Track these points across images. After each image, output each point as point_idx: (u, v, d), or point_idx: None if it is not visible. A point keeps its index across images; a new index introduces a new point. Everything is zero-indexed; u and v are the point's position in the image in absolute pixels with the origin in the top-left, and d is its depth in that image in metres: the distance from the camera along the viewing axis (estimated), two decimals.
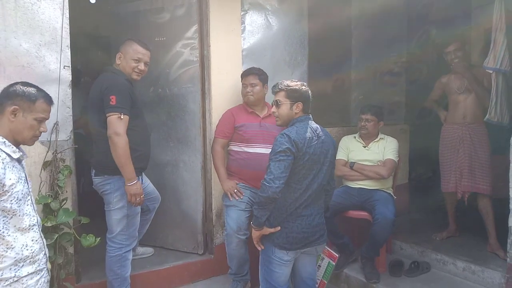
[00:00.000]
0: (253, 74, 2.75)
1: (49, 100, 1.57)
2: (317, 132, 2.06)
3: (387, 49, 4.02)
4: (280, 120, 2.13)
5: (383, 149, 3.10)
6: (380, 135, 3.18)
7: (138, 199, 2.36)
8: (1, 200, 1.39)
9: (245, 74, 2.80)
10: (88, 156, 2.49)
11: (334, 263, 2.38)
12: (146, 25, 3.15)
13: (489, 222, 3.01)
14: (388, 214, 2.76)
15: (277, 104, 2.11)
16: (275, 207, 2.01)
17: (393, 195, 3.09)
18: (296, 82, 2.14)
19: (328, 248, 2.38)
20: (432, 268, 3.01)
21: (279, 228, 2.01)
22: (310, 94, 2.13)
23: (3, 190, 1.39)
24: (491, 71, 2.75)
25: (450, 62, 3.18)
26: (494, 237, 2.97)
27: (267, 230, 2.03)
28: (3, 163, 1.40)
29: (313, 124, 2.09)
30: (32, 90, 1.53)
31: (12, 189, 1.42)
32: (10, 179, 1.41)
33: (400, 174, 3.48)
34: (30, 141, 1.55)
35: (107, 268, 2.44)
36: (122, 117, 2.25)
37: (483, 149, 3.09)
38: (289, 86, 2.09)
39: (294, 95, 2.07)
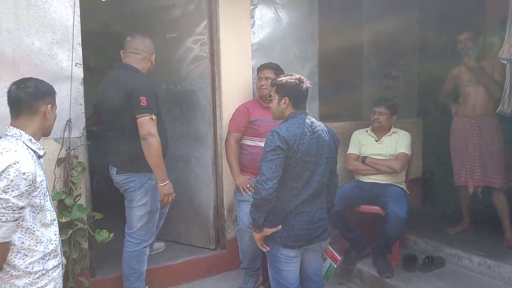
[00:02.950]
0: (269, 68, 2.74)
1: None
2: (312, 127, 1.98)
3: (399, 42, 3.96)
4: (273, 115, 2.12)
5: (396, 143, 3.06)
6: (393, 129, 3.14)
7: (170, 198, 2.40)
8: (32, 196, 1.43)
9: (261, 68, 2.80)
10: (105, 154, 2.50)
11: (335, 265, 2.36)
12: (157, 22, 3.16)
13: (505, 216, 2.96)
14: (400, 213, 2.72)
15: (269, 99, 2.11)
16: (274, 206, 1.97)
17: (406, 189, 3.05)
18: (290, 76, 2.05)
19: (331, 249, 2.33)
20: (447, 263, 2.98)
21: (280, 227, 1.97)
22: (302, 88, 2.02)
23: (34, 186, 1.43)
24: (505, 62, 2.69)
25: (459, 51, 3.12)
26: (510, 231, 2.93)
27: (268, 231, 1.99)
28: (33, 160, 1.45)
29: (309, 119, 2.01)
30: (48, 85, 1.61)
31: (41, 185, 1.47)
32: (40, 175, 1.46)
33: (413, 168, 3.44)
34: (51, 132, 1.67)
35: (124, 262, 2.46)
36: (153, 118, 2.28)
37: (494, 142, 3.03)
38: (279, 81, 2.05)
39: (281, 90, 2.02)
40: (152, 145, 2.26)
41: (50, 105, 1.57)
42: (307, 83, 2.06)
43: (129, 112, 2.28)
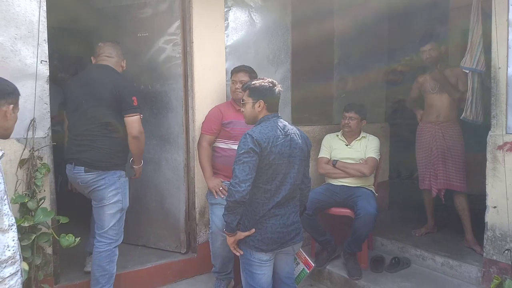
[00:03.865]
0: (243, 71, 2.72)
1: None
2: (285, 130, 2.00)
3: (369, 48, 4.08)
4: (246, 119, 2.12)
5: (365, 147, 3.15)
6: (362, 134, 3.23)
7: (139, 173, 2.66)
8: None
9: (235, 71, 2.76)
10: (71, 153, 2.45)
11: (308, 271, 2.39)
12: (128, 20, 3.09)
13: (465, 218, 3.10)
14: (370, 209, 2.81)
15: (242, 103, 2.10)
16: (247, 210, 1.98)
17: (375, 192, 3.14)
18: (263, 80, 2.07)
19: (305, 255, 2.35)
20: (412, 263, 3.08)
21: (253, 230, 1.97)
22: (275, 91, 2.04)
23: None
24: (467, 71, 2.83)
25: (424, 61, 3.26)
26: (470, 232, 3.07)
27: (242, 235, 1.99)
28: None
29: (281, 123, 2.02)
30: (13, 86, 1.58)
31: None
32: None
33: (380, 172, 3.54)
34: (10, 135, 1.63)
35: (95, 264, 2.43)
36: (141, 117, 2.45)
37: (457, 147, 3.18)
38: (252, 85, 2.05)
39: (255, 94, 2.02)
40: (142, 142, 2.48)
41: (12, 106, 1.52)
42: (279, 87, 2.08)
43: (115, 110, 2.38)
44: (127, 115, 2.38)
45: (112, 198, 2.42)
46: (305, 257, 2.31)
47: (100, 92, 2.38)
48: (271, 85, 2.04)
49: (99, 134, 2.39)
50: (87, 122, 2.40)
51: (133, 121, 2.38)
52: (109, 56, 2.52)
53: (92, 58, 2.59)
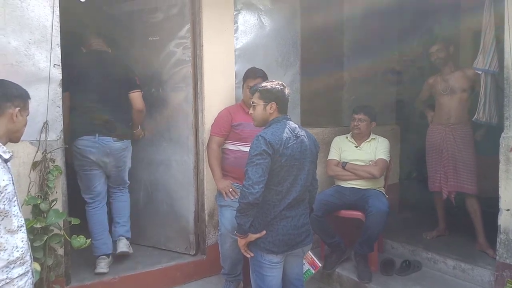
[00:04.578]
0: (261, 78, 2.67)
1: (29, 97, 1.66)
2: (295, 132, 2.01)
3: (379, 50, 4.06)
4: (255, 121, 2.12)
5: (375, 149, 3.12)
6: (372, 135, 3.21)
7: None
8: None
9: (252, 77, 2.71)
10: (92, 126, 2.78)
11: (313, 271, 2.36)
12: (140, 25, 3.14)
13: (477, 221, 3.05)
14: (382, 207, 2.79)
15: (252, 105, 2.10)
16: (258, 211, 1.98)
17: (385, 194, 3.12)
18: (273, 82, 2.09)
19: (312, 255, 2.35)
20: (423, 266, 3.05)
21: (264, 232, 1.97)
22: (286, 93, 2.06)
23: None
24: (480, 72, 2.80)
25: (434, 63, 3.23)
26: (482, 236, 3.02)
27: (253, 237, 1.99)
28: None
29: (291, 124, 2.04)
30: (22, 89, 1.60)
31: (5, 190, 1.40)
32: (4, 180, 1.39)
33: (390, 174, 3.51)
34: (20, 138, 1.63)
35: (126, 209, 3.02)
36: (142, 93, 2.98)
37: (468, 149, 3.13)
38: (263, 87, 2.06)
39: (267, 96, 2.03)
40: (144, 113, 3.02)
41: (18, 109, 1.53)
42: (288, 89, 2.10)
43: (125, 88, 2.85)
44: (132, 91, 2.86)
45: (129, 161, 2.98)
46: (312, 257, 2.30)
47: (115, 72, 2.83)
48: (282, 87, 2.07)
49: (118, 110, 2.82)
50: (107, 98, 2.79)
51: (137, 97, 2.89)
52: (101, 44, 2.94)
53: (82, 48, 2.96)
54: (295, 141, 1.98)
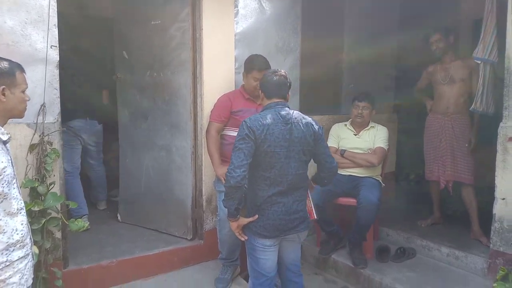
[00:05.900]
0: (266, 70, 2.54)
1: (22, 68, 1.56)
2: (286, 118, 2.00)
3: (379, 37, 4.02)
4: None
5: (374, 137, 3.13)
6: (371, 124, 3.21)
7: None
8: None
9: (259, 68, 2.59)
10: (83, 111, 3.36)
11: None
12: (143, 8, 3.09)
13: (472, 210, 3.09)
14: (371, 198, 2.81)
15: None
16: (250, 196, 2.02)
17: (381, 182, 3.14)
18: (267, 71, 2.20)
19: (312, 206, 2.24)
20: (418, 254, 3.10)
21: (256, 216, 2.01)
22: (272, 79, 2.07)
23: None
24: (479, 62, 2.79)
25: (434, 52, 3.21)
26: (477, 224, 3.06)
27: (244, 220, 2.03)
28: None
29: (285, 111, 2.02)
30: (5, 64, 1.48)
31: (4, 172, 1.37)
32: (2, 162, 1.37)
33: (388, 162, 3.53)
34: (23, 113, 1.56)
35: (104, 181, 3.76)
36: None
37: (466, 139, 3.15)
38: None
39: (260, 85, 2.17)
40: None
41: (3, 87, 1.43)
42: (280, 73, 2.09)
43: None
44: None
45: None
46: (311, 207, 2.23)
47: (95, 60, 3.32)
48: (269, 73, 2.11)
49: (95, 92, 3.36)
50: (88, 84, 3.31)
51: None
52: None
53: None
54: (282, 128, 1.97)
